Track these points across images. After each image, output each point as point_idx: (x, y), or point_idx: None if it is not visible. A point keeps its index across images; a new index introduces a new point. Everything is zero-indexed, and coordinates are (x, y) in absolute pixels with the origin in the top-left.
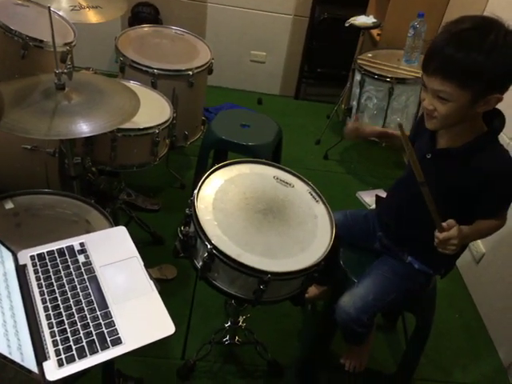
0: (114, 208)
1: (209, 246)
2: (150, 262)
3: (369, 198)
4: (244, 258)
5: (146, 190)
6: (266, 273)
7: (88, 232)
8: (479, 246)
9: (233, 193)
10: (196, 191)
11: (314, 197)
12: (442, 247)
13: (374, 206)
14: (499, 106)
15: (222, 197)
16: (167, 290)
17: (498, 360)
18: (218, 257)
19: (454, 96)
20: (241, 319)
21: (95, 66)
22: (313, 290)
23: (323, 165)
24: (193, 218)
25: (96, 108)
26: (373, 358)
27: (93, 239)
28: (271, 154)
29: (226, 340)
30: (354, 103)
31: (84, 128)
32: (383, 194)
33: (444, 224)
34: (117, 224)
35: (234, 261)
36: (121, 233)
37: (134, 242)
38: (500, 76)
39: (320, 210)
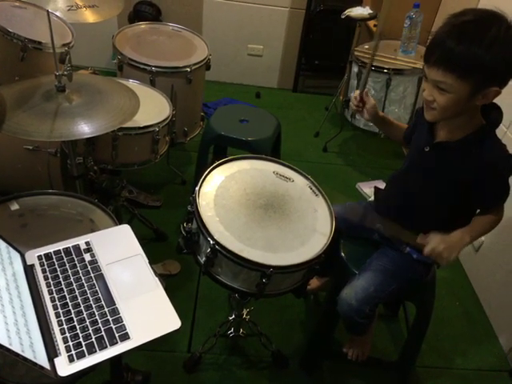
0: (117, 206)
1: (211, 242)
2: (153, 258)
3: (368, 189)
4: (246, 252)
5: (147, 186)
6: (268, 267)
7: (93, 231)
8: None
9: (233, 189)
10: (197, 188)
11: (313, 191)
12: (438, 260)
13: (373, 198)
14: (498, 98)
15: (223, 193)
16: (172, 285)
17: (498, 346)
18: (220, 252)
19: (453, 87)
20: (245, 312)
21: (94, 64)
22: (315, 282)
23: (322, 157)
24: (195, 215)
25: (96, 109)
26: (375, 347)
27: (98, 238)
28: (270, 149)
29: (231, 332)
30: (352, 95)
31: (85, 129)
32: (382, 185)
33: (418, 239)
34: (120, 222)
35: (237, 256)
36: (125, 231)
37: (138, 239)
38: (500, 70)
39: (320, 204)
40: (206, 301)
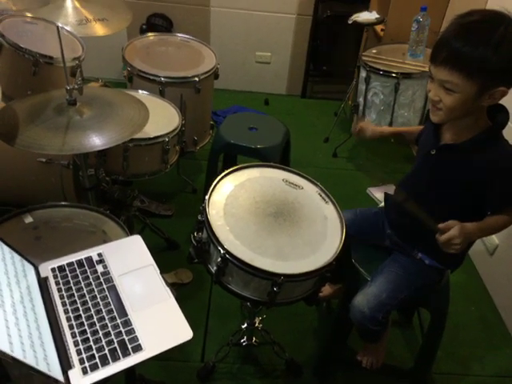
0: (129, 215)
1: (222, 251)
2: (165, 267)
3: (379, 194)
4: (257, 261)
5: (158, 196)
6: (278, 275)
7: (105, 242)
8: (492, 237)
9: (243, 197)
10: (207, 197)
11: (323, 198)
12: (446, 248)
13: (383, 204)
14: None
15: (232, 202)
16: (184, 294)
17: None
18: (231, 261)
19: (460, 87)
20: (257, 320)
21: (105, 75)
22: (327, 289)
23: (332, 163)
24: (205, 224)
25: (107, 121)
26: (390, 354)
27: (110, 249)
28: (280, 156)
29: (244, 341)
30: (361, 100)
31: (97, 142)
32: (393, 190)
33: (441, 225)
34: (132, 232)
35: (248, 265)
36: (136, 242)
37: (150, 248)
38: (507, 69)
39: (330, 211)
40: (219, 309)
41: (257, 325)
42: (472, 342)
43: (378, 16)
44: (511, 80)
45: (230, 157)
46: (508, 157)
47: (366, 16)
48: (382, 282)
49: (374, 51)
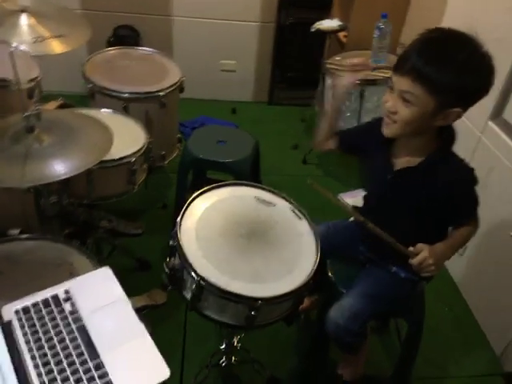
0: (96, 238)
1: (196, 278)
2: (138, 288)
3: (350, 200)
4: (233, 286)
5: (126, 213)
6: (256, 299)
7: (72, 274)
8: None
9: (215, 219)
10: (178, 221)
11: (296, 214)
12: (421, 272)
13: (353, 218)
14: None
15: (204, 225)
16: (158, 316)
17: (490, 350)
18: (206, 288)
19: (419, 100)
20: (235, 339)
21: (66, 89)
22: (304, 301)
23: (302, 169)
24: (177, 250)
25: (69, 147)
26: (368, 362)
27: (77, 285)
28: (250, 169)
29: (223, 361)
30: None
31: (59, 170)
32: (361, 195)
33: (411, 249)
34: (100, 255)
35: (223, 291)
36: (106, 274)
37: (120, 271)
38: (467, 93)
39: (304, 227)
40: (195, 330)
41: (236, 344)
42: (447, 344)
43: (340, 23)
44: (468, 103)
45: (200, 170)
46: (462, 172)
47: (328, 24)
48: (357, 293)
49: (338, 58)
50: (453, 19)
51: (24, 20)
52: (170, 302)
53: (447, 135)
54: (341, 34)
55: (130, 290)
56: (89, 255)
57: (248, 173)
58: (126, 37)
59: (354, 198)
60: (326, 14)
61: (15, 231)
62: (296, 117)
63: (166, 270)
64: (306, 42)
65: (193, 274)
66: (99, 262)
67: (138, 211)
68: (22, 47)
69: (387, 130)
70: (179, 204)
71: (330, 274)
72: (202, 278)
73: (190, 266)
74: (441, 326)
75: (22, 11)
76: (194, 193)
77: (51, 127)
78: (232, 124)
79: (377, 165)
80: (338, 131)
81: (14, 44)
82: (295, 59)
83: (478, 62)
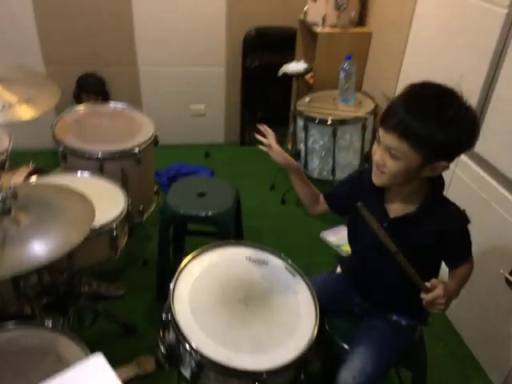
0: (78, 307)
1: (195, 355)
2: (125, 356)
3: (333, 237)
4: (235, 360)
5: (106, 274)
6: (260, 373)
7: (60, 362)
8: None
9: (208, 287)
10: (170, 295)
11: (290, 271)
12: (430, 307)
13: (339, 270)
14: None
15: (198, 295)
16: None
17: (488, 382)
18: (206, 365)
19: (406, 155)
20: None
21: (36, 145)
22: None
23: (282, 210)
24: (172, 325)
25: (49, 226)
26: None
27: (67, 380)
28: (233, 220)
29: None
30: (302, 146)
31: (41, 254)
32: (344, 230)
33: (427, 284)
34: (83, 324)
35: (225, 367)
36: (98, 363)
37: (105, 338)
38: (452, 148)
39: (299, 285)
40: None
41: None
42: (447, 380)
43: (305, 66)
44: (453, 156)
45: (181, 224)
46: (456, 215)
47: (294, 67)
48: (363, 352)
49: (307, 99)
50: (414, 55)
51: None
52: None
53: (437, 180)
54: (307, 76)
55: (117, 358)
56: (76, 340)
57: (231, 224)
58: (88, 84)
59: (337, 236)
60: (289, 56)
61: None
62: (269, 156)
63: (162, 349)
64: (272, 83)
65: (191, 351)
66: (81, 331)
67: (117, 270)
68: None
69: (377, 180)
70: (163, 262)
71: (327, 330)
72: (202, 356)
73: (188, 341)
74: (438, 361)
75: None
76: (175, 247)
77: (27, 205)
78: (207, 169)
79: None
80: (324, 194)
81: None
82: (263, 100)
83: (464, 118)
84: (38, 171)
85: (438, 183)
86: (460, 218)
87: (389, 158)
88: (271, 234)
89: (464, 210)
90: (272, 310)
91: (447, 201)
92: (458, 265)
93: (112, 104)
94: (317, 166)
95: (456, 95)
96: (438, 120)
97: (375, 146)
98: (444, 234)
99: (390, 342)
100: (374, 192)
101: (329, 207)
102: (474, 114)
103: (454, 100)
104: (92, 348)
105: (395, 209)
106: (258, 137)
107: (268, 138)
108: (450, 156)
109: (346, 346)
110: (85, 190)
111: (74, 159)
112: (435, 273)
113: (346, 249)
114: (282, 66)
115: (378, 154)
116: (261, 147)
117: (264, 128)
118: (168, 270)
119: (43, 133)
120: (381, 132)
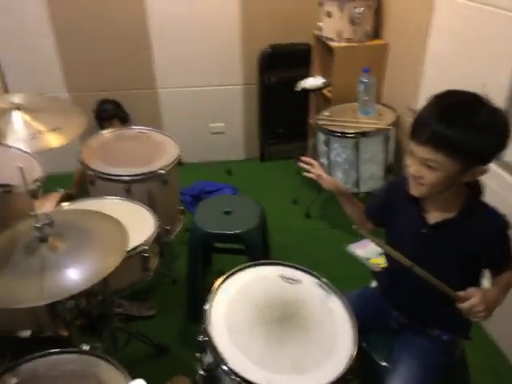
0: (112, 329)
1: (236, 379)
2: (159, 376)
3: (360, 250)
4: (275, 383)
5: (136, 294)
6: None
7: None
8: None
9: (244, 308)
10: (206, 317)
11: (323, 288)
12: (469, 316)
13: (374, 284)
14: None
15: (234, 316)
16: None
17: None
18: None
19: (443, 165)
20: None
21: (65, 168)
22: None
23: (307, 223)
24: (209, 347)
25: (85, 252)
26: None
27: None
28: (261, 237)
29: None
30: (324, 160)
31: (78, 280)
32: (372, 244)
33: (461, 293)
34: (116, 345)
35: None
36: None
37: (139, 360)
38: (488, 151)
39: (333, 302)
40: None
41: None
42: None
43: (323, 80)
44: (490, 160)
45: (209, 243)
46: (499, 218)
47: (312, 82)
48: (405, 370)
49: (327, 113)
50: (433, 65)
51: (18, 117)
52: None
53: (474, 185)
54: (325, 90)
55: (151, 379)
56: (115, 363)
57: (259, 241)
58: (107, 111)
59: (365, 249)
60: (304, 71)
61: (26, 332)
62: (290, 170)
63: (201, 371)
64: (289, 98)
65: (231, 375)
66: (116, 352)
67: (147, 290)
68: (20, 145)
69: (416, 192)
70: (194, 280)
71: (364, 347)
72: (243, 379)
73: (226, 365)
74: (479, 377)
75: (17, 109)
76: (203, 265)
77: (63, 232)
78: (229, 186)
79: (406, 220)
80: (365, 211)
81: (10, 143)
82: (281, 115)
83: (496, 121)
84: (67, 198)
85: (476, 187)
86: (501, 222)
87: (425, 169)
88: (297, 248)
89: (505, 215)
90: (308, 329)
91: (487, 205)
92: (500, 271)
93: (136, 127)
94: (340, 179)
95: (483, 100)
96: (472, 125)
97: (409, 160)
98: (488, 239)
99: (432, 359)
100: (410, 202)
101: (372, 223)
102: (505, 115)
103: (485, 104)
104: (126, 369)
105: (434, 216)
106: (304, 166)
107: (315, 168)
108: (487, 159)
109: (384, 364)
110: (115, 213)
111: (102, 183)
112: (476, 282)
113: (375, 262)
114: (297, 81)
115: (413, 167)
116: (306, 174)
117: (307, 160)
118: (199, 289)
119: (64, 156)
120: (413, 146)
